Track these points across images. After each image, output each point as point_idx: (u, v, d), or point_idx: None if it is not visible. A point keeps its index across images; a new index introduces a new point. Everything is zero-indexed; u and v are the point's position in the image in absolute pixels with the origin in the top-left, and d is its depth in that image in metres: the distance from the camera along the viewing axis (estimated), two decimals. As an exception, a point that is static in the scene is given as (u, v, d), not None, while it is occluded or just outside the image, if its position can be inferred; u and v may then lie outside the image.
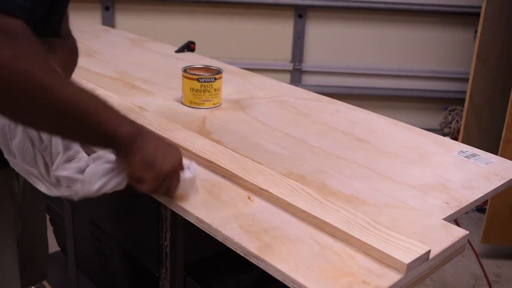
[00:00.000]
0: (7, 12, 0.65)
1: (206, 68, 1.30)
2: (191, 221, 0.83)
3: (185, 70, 1.26)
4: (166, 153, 0.80)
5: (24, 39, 0.66)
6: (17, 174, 0.94)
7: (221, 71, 1.27)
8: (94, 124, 0.73)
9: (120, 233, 1.20)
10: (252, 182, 0.88)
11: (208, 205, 0.84)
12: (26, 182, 0.99)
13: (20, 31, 0.66)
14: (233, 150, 0.99)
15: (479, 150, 1.12)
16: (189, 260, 1.04)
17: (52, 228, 1.59)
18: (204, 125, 1.15)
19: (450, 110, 3.02)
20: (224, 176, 0.92)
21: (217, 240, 0.79)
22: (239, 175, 0.90)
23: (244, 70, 1.57)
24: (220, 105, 1.27)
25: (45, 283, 1.50)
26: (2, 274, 0.89)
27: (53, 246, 1.23)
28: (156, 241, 1.02)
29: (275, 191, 0.86)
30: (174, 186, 0.83)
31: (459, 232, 0.80)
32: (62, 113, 0.70)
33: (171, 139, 1.01)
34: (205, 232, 0.80)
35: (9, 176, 0.93)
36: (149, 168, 0.78)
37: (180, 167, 0.83)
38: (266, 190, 0.86)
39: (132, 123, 0.78)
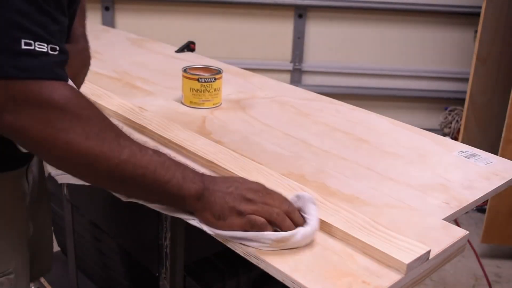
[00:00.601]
0: (52, 78, 0.64)
1: (206, 68, 1.30)
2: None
3: (185, 70, 1.26)
4: (238, 201, 0.74)
5: (73, 105, 0.65)
6: (26, 175, 0.93)
7: (221, 71, 1.27)
8: (155, 186, 0.72)
9: (120, 233, 1.20)
10: (252, 182, 0.88)
11: (208, 205, 0.83)
12: (33, 181, 0.99)
13: (66, 97, 0.65)
14: (233, 150, 0.99)
15: (479, 150, 1.12)
16: (189, 260, 1.04)
17: (52, 228, 1.59)
18: (204, 125, 1.15)
19: (450, 110, 3.02)
20: (224, 176, 0.92)
21: (217, 240, 0.79)
22: (239, 175, 0.90)
23: (244, 70, 1.57)
24: (220, 105, 1.27)
25: (45, 283, 1.50)
26: (16, 274, 0.89)
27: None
28: (156, 241, 1.02)
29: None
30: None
31: (459, 232, 0.79)
32: (119, 177, 0.70)
33: (171, 139, 1.01)
34: (205, 232, 0.80)
35: (19, 177, 0.92)
36: (221, 220, 0.75)
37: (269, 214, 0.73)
38: (266, 190, 0.86)
39: (197, 178, 0.75)
